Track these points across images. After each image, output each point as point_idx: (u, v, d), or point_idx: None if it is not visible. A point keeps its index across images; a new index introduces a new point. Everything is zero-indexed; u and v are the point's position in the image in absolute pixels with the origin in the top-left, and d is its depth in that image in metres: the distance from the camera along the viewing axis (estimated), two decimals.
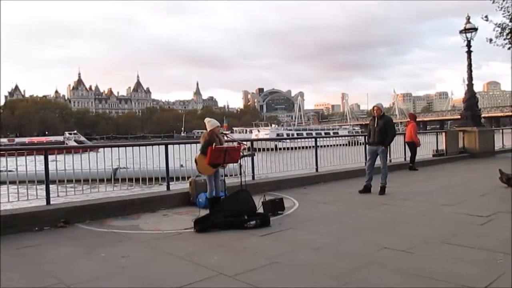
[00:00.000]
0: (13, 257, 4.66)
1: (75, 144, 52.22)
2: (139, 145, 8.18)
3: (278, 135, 56.78)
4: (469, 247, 4.52)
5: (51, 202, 6.51)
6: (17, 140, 67.62)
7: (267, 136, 50.72)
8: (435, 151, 15.53)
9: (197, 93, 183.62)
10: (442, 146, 15.75)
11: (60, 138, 67.07)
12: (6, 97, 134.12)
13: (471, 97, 17.34)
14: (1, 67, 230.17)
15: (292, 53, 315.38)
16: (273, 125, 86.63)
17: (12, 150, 7.43)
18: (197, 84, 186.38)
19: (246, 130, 78.50)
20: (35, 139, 67.77)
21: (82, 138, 69.21)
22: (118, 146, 9.44)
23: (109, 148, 12.34)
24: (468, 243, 4.67)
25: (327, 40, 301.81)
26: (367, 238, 5.09)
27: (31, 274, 4.09)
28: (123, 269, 4.20)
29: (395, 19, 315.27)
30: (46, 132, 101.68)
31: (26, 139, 68.92)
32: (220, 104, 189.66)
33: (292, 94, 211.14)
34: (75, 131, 77.58)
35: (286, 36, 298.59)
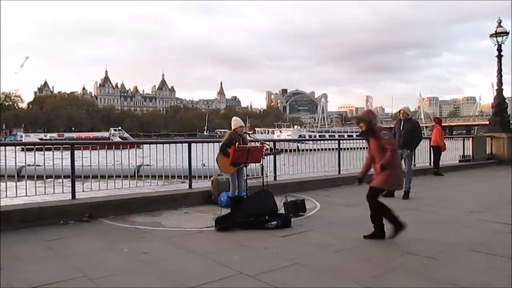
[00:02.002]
0: (41, 249, 4.80)
1: (119, 140, 54.59)
2: (165, 143, 8.25)
3: (300, 136, 56.51)
4: (498, 256, 4.39)
5: (76, 197, 6.65)
6: (66, 135, 71.22)
7: (289, 137, 50.52)
8: (461, 157, 15.20)
9: (221, 92, 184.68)
10: (469, 151, 15.39)
11: (106, 134, 70.03)
12: (35, 92, 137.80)
13: (500, 102, 16.91)
14: (34, 63, 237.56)
15: (318, 55, 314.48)
16: (295, 126, 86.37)
17: (41, 144, 7.63)
18: (221, 83, 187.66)
19: (269, 131, 78.51)
20: (83, 135, 70.97)
21: (126, 135, 71.72)
22: (147, 143, 9.54)
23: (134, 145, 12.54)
24: (497, 251, 4.53)
25: (354, 42, 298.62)
26: (390, 242, 4.99)
27: (57, 267, 4.17)
28: (145, 264, 4.25)
29: (425, 21, 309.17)
30: (73, 128, 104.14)
31: (74, 134, 72.47)
32: (243, 104, 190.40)
33: (316, 96, 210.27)
34: (120, 128, 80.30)
35: (312, 38, 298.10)
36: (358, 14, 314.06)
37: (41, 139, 55.60)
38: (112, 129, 76.01)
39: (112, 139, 58.13)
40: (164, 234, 5.49)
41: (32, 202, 6.37)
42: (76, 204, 6.36)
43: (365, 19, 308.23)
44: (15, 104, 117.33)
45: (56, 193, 6.72)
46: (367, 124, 5.13)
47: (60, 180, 6.78)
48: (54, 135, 69.73)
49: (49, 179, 6.83)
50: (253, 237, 5.28)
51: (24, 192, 6.45)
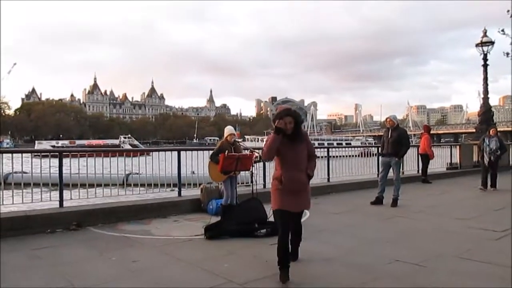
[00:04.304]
0: (28, 258, 4.74)
1: (129, 147, 55.15)
2: (154, 151, 8.23)
3: None
4: (484, 262, 4.44)
5: (64, 205, 6.58)
6: (78, 142, 72.36)
7: None
8: (449, 164, 15.37)
9: (211, 100, 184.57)
10: (456, 159, 15.57)
11: (116, 141, 70.40)
12: (23, 99, 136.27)
13: (486, 110, 17.19)
14: (21, 69, 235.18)
15: (308, 63, 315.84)
16: None
17: (29, 152, 7.56)
18: (211, 91, 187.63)
19: (258, 139, 78.57)
20: (94, 142, 71.88)
21: (136, 142, 72.25)
22: (152, 150, 9.52)
23: (123, 153, 12.47)
24: (483, 258, 4.59)
25: (343, 50, 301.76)
26: (379, 250, 5.03)
27: (44, 275, 4.12)
28: (133, 273, 4.21)
29: (413, 29, 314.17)
30: (61, 135, 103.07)
31: (85, 142, 73.69)
32: (233, 112, 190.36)
33: (305, 104, 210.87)
34: (129, 135, 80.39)
35: (302, 45, 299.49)
36: (346, 22, 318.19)
37: (53, 146, 55.97)
38: (122, 137, 76.13)
39: (122, 146, 58.74)
40: (153, 242, 5.45)
41: (19, 210, 6.30)
42: (63, 212, 6.29)
43: (353, 27, 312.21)
44: (2, 111, 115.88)
45: (44, 201, 6.66)
46: (296, 121, 3.94)
47: (47, 187, 6.71)
48: (66, 142, 70.38)
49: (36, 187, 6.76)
50: (243, 245, 5.28)
51: (10, 200, 6.37)
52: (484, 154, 10.78)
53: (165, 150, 8.76)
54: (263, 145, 4.07)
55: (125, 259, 4.68)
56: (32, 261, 4.63)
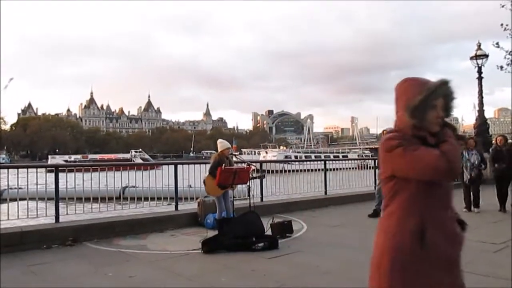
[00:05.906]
0: (23, 274, 4.68)
1: (141, 161, 55.53)
2: (150, 164, 8.21)
3: (286, 157, 56.59)
4: (483, 275, 4.41)
5: (60, 220, 6.53)
6: (90, 156, 73.89)
7: (275, 158, 50.48)
8: None
9: (207, 113, 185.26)
10: None
11: (127, 155, 71.42)
12: (19, 114, 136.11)
13: (482, 123, 17.27)
14: (17, 83, 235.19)
15: (304, 75, 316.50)
16: (280, 147, 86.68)
17: (23, 166, 7.52)
18: (207, 104, 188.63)
19: (255, 152, 78.67)
20: (106, 156, 73.20)
21: (147, 156, 73.46)
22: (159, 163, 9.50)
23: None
24: (482, 271, 4.56)
25: (339, 62, 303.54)
26: None
27: None
28: None
29: (408, 42, 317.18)
30: (57, 150, 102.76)
31: (97, 156, 74.73)
32: (230, 125, 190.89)
33: (302, 117, 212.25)
34: (140, 149, 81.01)
35: (298, 58, 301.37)
36: (342, 34, 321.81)
37: (66, 161, 56.35)
38: (132, 151, 76.65)
39: (133, 160, 59.43)
40: (149, 257, 5.40)
41: (15, 226, 6.24)
42: (59, 228, 6.24)
43: (348, 40, 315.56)
44: None
45: (39, 216, 6.61)
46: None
47: (43, 203, 6.67)
48: (79, 157, 71.78)
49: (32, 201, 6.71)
50: (240, 259, 5.24)
51: (6, 216, 6.32)
52: (464, 170, 9.08)
53: (162, 164, 8.77)
54: (413, 158, 1.84)
55: (121, 274, 4.63)
56: (27, 277, 4.57)
